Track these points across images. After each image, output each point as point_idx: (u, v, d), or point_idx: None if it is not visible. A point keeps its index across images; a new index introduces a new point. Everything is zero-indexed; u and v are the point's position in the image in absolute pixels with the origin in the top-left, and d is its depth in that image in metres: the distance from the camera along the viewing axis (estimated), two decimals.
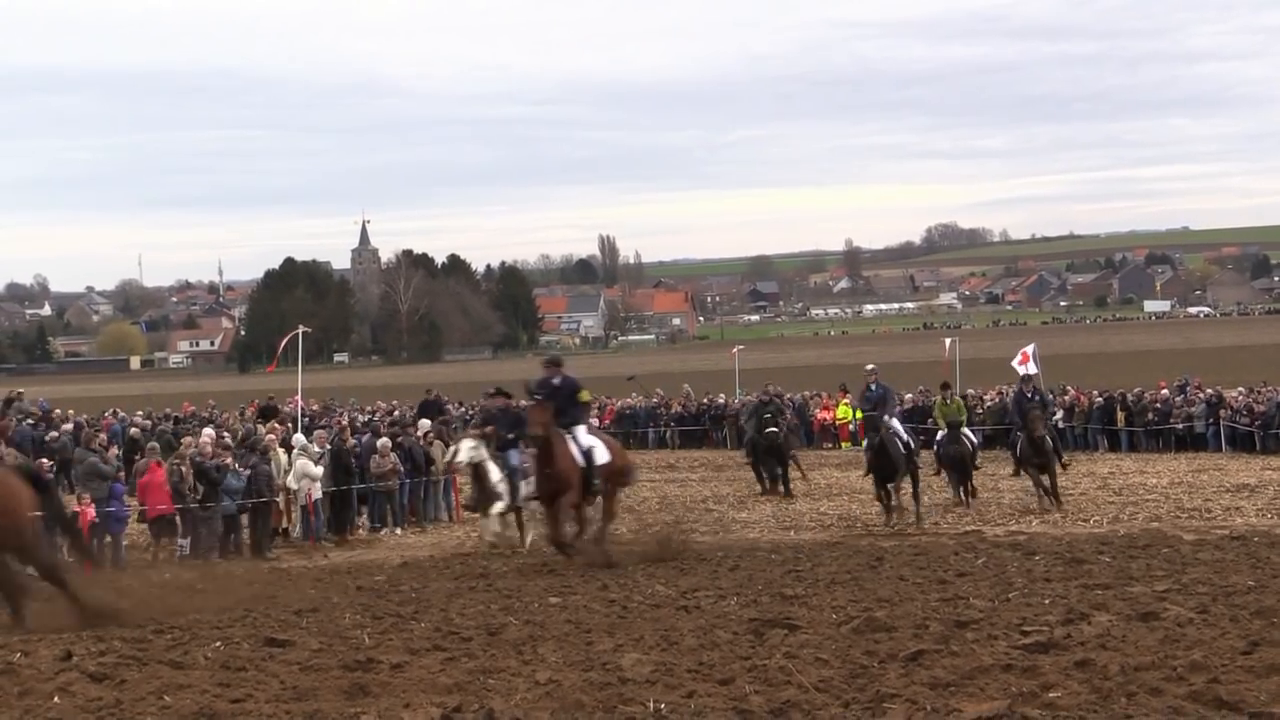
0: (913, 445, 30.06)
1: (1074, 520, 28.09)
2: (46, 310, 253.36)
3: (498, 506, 27.32)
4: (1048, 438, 30.77)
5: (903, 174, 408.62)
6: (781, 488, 35.72)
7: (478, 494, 27.76)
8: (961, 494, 31.89)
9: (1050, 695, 11.41)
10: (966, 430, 33.30)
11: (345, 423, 38.26)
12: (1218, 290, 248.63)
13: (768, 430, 36.20)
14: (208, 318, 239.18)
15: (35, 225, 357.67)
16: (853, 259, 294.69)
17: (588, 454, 23.91)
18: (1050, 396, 39.00)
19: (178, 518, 26.72)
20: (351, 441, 31.71)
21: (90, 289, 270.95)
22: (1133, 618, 15.07)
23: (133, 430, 43.41)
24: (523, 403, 26.57)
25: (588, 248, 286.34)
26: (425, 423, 35.56)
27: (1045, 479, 30.46)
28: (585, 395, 24.89)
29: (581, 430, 24.28)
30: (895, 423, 30.22)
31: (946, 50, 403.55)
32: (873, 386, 30.46)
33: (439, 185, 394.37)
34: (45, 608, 17.73)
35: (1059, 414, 45.90)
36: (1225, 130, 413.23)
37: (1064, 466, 31.99)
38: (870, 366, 31.64)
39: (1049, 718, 10.72)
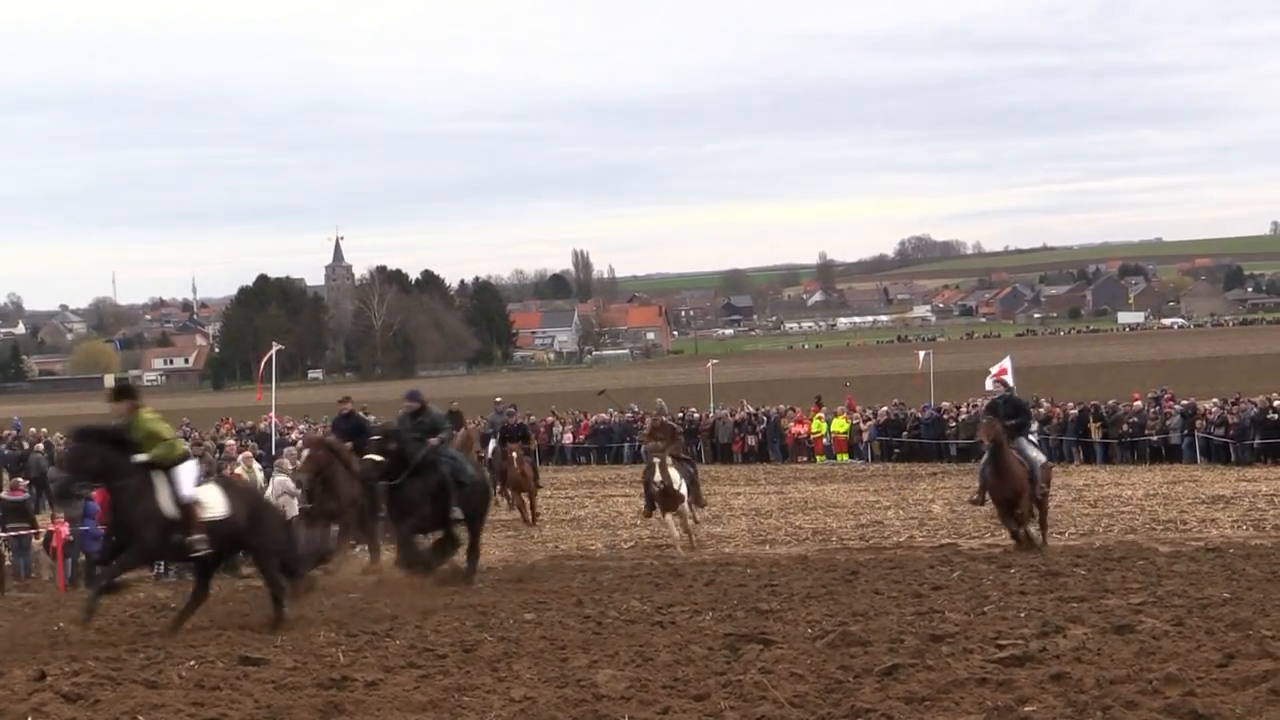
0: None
1: (1049, 533, 28.09)
2: (20, 329, 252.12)
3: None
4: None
5: (875, 187, 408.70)
6: None
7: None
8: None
9: (1026, 709, 11.42)
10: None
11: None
12: (1191, 301, 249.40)
13: None
14: (182, 335, 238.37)
15: (8, 245, 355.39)
16: (826, 272, 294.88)
17: None
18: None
19: None
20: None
21: (64, 307, 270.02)
22: (1108, 631, 15.09)
23: None
24: None
25: (561, 263, 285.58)
26: None
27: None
28: None
29: None
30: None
31: (915, 63, 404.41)
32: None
33: (412, 201, 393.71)
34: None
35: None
36: (1194, 142, 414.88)
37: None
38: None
39: None
